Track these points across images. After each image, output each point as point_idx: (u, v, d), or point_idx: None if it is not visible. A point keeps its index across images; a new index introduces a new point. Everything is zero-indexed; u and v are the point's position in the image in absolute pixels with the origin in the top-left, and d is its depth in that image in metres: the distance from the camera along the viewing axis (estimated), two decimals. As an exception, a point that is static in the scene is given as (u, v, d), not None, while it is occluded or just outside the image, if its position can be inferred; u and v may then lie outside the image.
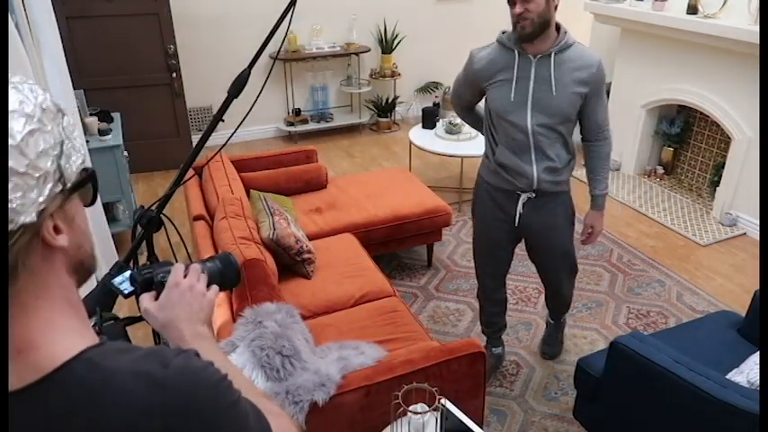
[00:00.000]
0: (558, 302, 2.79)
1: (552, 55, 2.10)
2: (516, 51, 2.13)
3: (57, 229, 0.64)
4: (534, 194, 2.30)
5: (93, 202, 0.72)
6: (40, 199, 0.60)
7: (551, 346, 2.92)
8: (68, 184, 0.65)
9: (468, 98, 2.38)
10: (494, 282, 2.68)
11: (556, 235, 2.44)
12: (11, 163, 0.57)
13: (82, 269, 0.71)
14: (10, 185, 0.57)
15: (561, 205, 2.38)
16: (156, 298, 0.94)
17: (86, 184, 0.70)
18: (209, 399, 0.66)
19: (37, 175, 0.60)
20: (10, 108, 0.59)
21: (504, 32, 2.20)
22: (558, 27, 2.12)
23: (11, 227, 0.58)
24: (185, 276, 0.95)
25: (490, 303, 2.74)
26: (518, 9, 2.01)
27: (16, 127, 0.59)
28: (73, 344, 0.64)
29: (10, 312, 0.61)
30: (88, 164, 0.70)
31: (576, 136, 2.30)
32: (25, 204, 0.59)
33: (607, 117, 2.28)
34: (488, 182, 2.39)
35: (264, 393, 0.92)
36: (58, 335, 0.64)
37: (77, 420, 0.60)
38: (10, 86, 0.61)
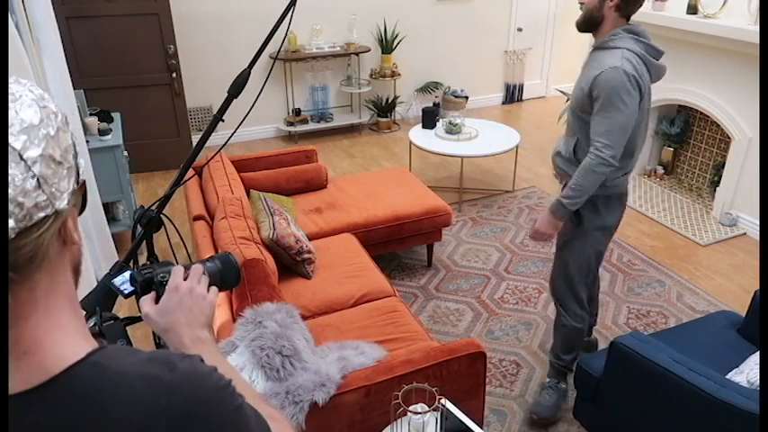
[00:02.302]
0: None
1: (592, 50, 2.15)
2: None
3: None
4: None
5: (81, 212, 0.73)
6: (70, 188, 0.64)
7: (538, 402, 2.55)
8: (79, 183, 0.67)
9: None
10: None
11: (563, 231, 2.32)
12: (50, 151, 0.60)
13: (78, 271, 0.72)
14: (48, 172, 0.60)
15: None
16: (157, 300, 0.93)
17: (81, 191, 0.71)
18: (212, 404, 0.66)
19: (67, 165, 0.63)
20: (42, 104, 0.62)
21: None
22: (626, 27, 2.13)
23: (47, 212, 0.60)
24: (185, 279, 0.94)
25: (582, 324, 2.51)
26: None
27: (52, 122, 0.62)
28: (79, 346, 0.64)
29: (21, 310, 0.61)
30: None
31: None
32: (60, 190, 0.61)
33: (604, 135, 2.05)
34: None
35: (264, 398, 0.91)
36: (64, 336, 0.64)
37: (83, 422, 0.60)
38: (33, 91, 0.63)
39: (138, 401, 0.61)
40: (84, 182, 0.70)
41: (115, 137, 3.62)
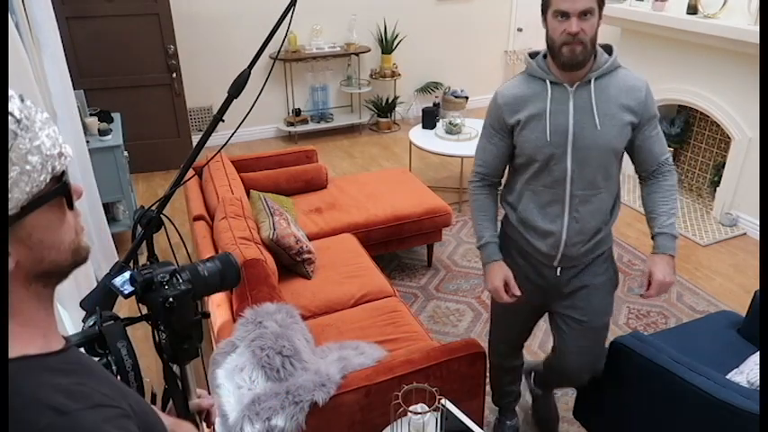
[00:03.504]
0: None
1: (592, 81, 1.71)
2: (548, 81, 1.73)
3: None
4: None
5: (70, 207, 0.72)
6: None
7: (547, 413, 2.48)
8: (15, 210, 0.64)
9: (494, 154, 1.89)
10: (509, 348, 2.30)
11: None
12: None
13: (48, 275, 0.71)
14: None
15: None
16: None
17: (53, 197, 0.68)
18: None
19: None
20: None
21: (531, 55, 1.80)
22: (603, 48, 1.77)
23: None
24: None
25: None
26: (574, 27, 1.59)
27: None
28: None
29: None
30: (76, 167, 0.71)
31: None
32: None
33: (666, 147, 1.87)
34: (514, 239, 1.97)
35: None
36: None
37: None
38: None
39: (19, 420, 0.61)
40: (60, 183, 0.69)
41: (115, 137, 3.62)
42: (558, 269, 1.90)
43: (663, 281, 1.77)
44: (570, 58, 1.64)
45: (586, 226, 1.81)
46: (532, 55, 1.79)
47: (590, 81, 1.71)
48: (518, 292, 1.87)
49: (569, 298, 1.94)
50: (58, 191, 0.69)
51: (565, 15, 1.60)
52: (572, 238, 1.82)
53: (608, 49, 1.76)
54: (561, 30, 1.61)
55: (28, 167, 0.64)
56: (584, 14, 1.60)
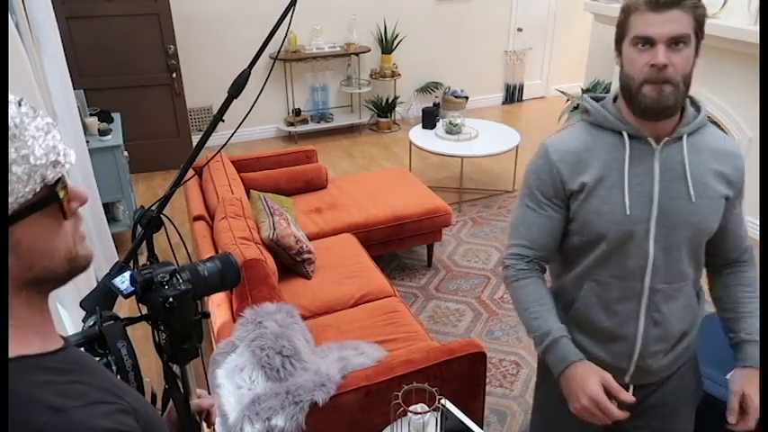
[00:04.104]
0: None
1: (684, 138, 1.29)
2: (625, 133, 1.28)
3: None
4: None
5: (64, 216, 0.70)
6: None
7: None
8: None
9: (546, 230, 1.38)
10: None
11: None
12: None
13: (41, 282, 0.69)
14: None
15: None
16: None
17: (43, 207, 0.66)
18: None
19: None
20: None
21: (595, 98, 1.36)
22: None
23: None
24: None
25: None
26: (661, 57, 1.16)
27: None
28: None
29: None
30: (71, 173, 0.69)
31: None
32: None
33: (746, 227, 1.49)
34: None
35: None
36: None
37: None
38: None
39: (14, 418, 0.60)
40: (49, 191, 0.67)
41: (115, 137, 3.62)
42: (631, 387, 1.42)
43: (757, 404, 1.31)
44: (656, 101, 1.19)
45: (670, 330, 1.36)
46: (597, 99, 1.35)
47: (681, 137, 1.28)
48: (630, 398, 1.27)
49: (641, 417, 1.46)
50: (48, 201, 0.67)
51: (648, 42, 1.18)
52: (650, 347, 1.35)
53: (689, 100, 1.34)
54: (643, 62, 1.18)
55: (12, 178, 0.62)
56: (675, 42, 1.17)
